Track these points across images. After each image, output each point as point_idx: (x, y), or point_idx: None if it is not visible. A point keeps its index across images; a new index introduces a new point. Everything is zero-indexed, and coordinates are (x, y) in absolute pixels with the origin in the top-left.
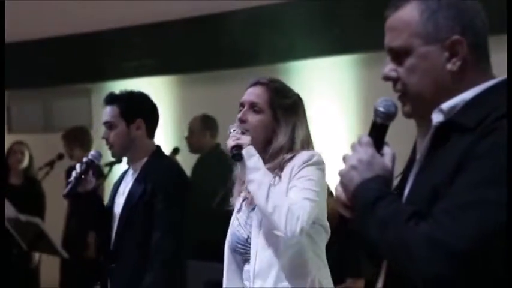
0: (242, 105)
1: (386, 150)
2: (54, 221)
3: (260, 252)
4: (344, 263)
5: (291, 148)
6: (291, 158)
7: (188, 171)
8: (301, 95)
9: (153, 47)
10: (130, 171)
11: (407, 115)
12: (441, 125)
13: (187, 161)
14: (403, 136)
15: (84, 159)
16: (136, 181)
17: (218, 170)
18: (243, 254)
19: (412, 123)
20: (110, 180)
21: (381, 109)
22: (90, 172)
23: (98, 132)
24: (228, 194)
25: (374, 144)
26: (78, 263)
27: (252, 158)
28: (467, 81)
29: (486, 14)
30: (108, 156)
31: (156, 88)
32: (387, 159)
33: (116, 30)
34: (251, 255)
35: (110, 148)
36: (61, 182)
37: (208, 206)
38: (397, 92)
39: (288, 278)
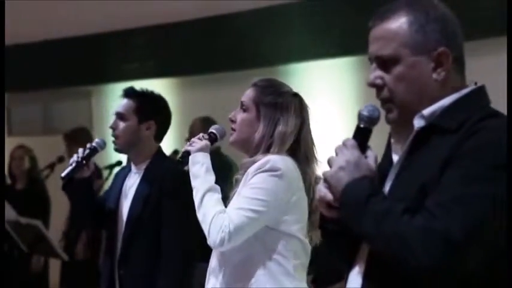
0: None
1: (369, 153)
2: (55, 223)
3: (215, 254)
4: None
5: (268, 147)
6: (254, 162)
7: None
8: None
9: (154, 49)
10: (133, 172)
11: (391, 121)
12: (422, 129)
13: None
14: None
15: (88, 145)
16: (141, 184)
17: (219, 172)
18: None
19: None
20: (109, 183)
21: (365, 113)
22: (92, 159)
23: (99, 134)
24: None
25: (358, 147)
26: (77, 264)
27: (195, 165)
28: (449, 89)
29: (486, 15)
30: (107, 157)
31: (157, 90)
32: (371, 161)
33: (117, 33)
34: (211, 256)
35: (115, 140)
36: (61, 184)
37: None
38: (382, 98)
39: (232, 281)
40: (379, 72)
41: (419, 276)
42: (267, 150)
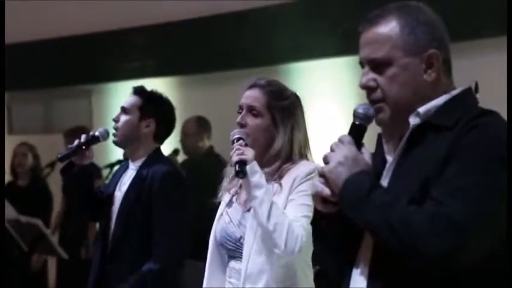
0: (241, 108)
1: (364, 150)
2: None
3: (253, 256)
4: None
5: (289, 153)
6: (291, 168)
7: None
8: (302, 96)
9: (154, 49)
10: (130, 168)
11: (382, 122)
12: (418, 126)
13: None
14: None
15: (91, 133)
16: (134, 180)
17: (213, 171)
18: (230, 251)
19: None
20: None
21: (361, 111)
22: (92, 148)
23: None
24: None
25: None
26: (74, 263)
27: (255, 174)
28: (439, 89)
29: (486, 16)
30: (107, 157)
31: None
32: (367, 158)
33: (117, 32)
34: (243, 257)
35: (115, 133)
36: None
37: (203, 208)
38: (374, 99)
39: (279, 283)
40: (372, 75)
41: (429, 263)
42: (288, 156)
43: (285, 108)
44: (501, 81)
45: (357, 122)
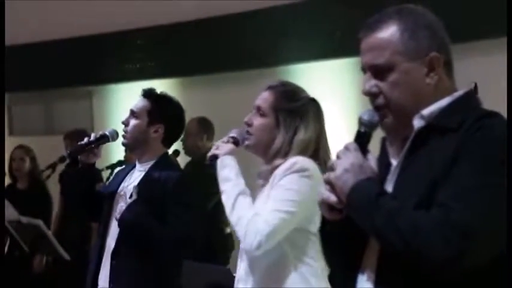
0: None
1: (370, 156)
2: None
3: (243, 258)
4: None
5: (286, 153)
6: (279, 165)
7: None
8: None
9: (154, 50)
10: (137, 169)
11: (388, 127)
12: (422, 129)
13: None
14: None
15: (101, 132)
16: (145, 181)
17: (215, 172)
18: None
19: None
20: None
21: (366, 118)
22: (100, 147)
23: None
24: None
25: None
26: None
27: (224, 168)
28: (441, 91)
29: (486, 16)
30: (107, 157)
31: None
32: (372, 164)
33: (117, 33)
34: (238, 260)
35: (124, 135)
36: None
37: (204, 209)
38: (378, 105)
39: (265, 283)
40: (374, 81)
41: (435, 268)
42: (285, 157)
43: (291, 110)
44: (501, 82)
45: (362, 130)
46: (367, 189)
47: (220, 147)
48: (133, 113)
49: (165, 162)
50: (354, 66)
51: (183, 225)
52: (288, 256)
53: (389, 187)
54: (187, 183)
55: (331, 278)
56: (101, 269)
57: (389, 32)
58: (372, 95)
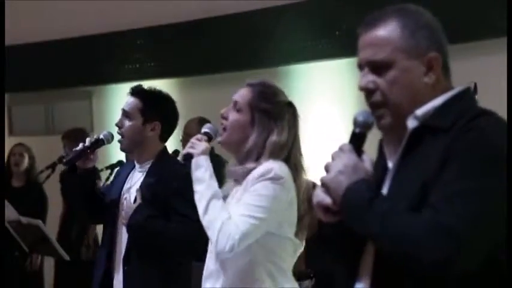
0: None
1: (365, 157)
2: (55, 223)
3: (213, 255)
4: None
5: (259, 155)
6: (252, 169)
7: None
8: (302, 97)
9: (154, 50)
10: (137, 169)
11: (384, 127)
12: (416, 129)
13: None
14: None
15: (95, 136)
16: (146, 183)
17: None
18: None
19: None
20: None
21: (361, 119)
22: (96, 151)
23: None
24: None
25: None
26: (74, 264)
27: (199, 169)
28: (438, 91)
29: (486, 16)
30: (107, 158)
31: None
32: (367, 165)
33: (117, 33)
34: (206, 259)
35: (120, 138)
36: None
37: None
38: (374, 102)
39: (235, 283)
40: (371, 77)
41: (426, 270)
42: (257, 158)
43: (267, 111)
44: (501, 82)
45: (356, 130)
46: (360, 191)
47: (196, 145)
48: (125, 113)
49: (165, 159)
50: (353, 67)
51: (193, 224)
52: (259, 258)
53: (386, 189)
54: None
55: (328, 279)
56: (114, 276)
57: (389, 29)
58: (368, 91)
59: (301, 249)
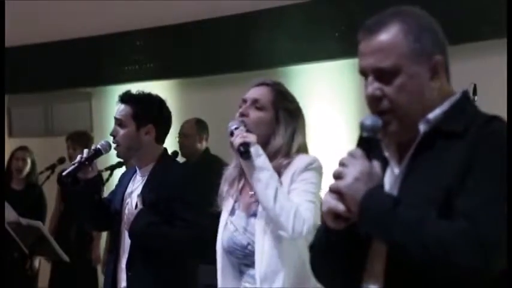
0: (244, 101)
1: (374, 162)
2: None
3: (266, 258)
4: None
5: (287, 152)
6: (289, 163)
7: None
8: (301, 98)
9: (154, 51)
10: (138, 175)
11: (392, 133)
12: (427, 133)
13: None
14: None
15: (93, 147)
16: (146, 188)
17: (210, 173)
18: (241, 259)
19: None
20: (110, 185)
21: (369, 123)
22: (95, 161)
23: (98, 135)
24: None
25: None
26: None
27: (260, 157)
28: (443, 95)
29: (486, 17)
30: (107, 157)
31: (156, 92)
32: (378, 171)
33: (117, 35)
34: (256, 261)
35: (116, 147)
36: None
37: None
38: (382, 109)
39: (295, 281)
40: (377, 84)
41: (461, 277)
42: (286, 154)
43: (290, 110)
44: (501, 83)
45: (365, 135)
46: (379, 198)
47: (248, 136)
48: (118, 121)
49: (166, 162)
50: (353, 67)
51: (194, 227)
52: (305, 252)
53: (394, 192)
54: (193, 184)
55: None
56: (120, 282)
57: (392, 34)
58: (375, 99)
59: None
